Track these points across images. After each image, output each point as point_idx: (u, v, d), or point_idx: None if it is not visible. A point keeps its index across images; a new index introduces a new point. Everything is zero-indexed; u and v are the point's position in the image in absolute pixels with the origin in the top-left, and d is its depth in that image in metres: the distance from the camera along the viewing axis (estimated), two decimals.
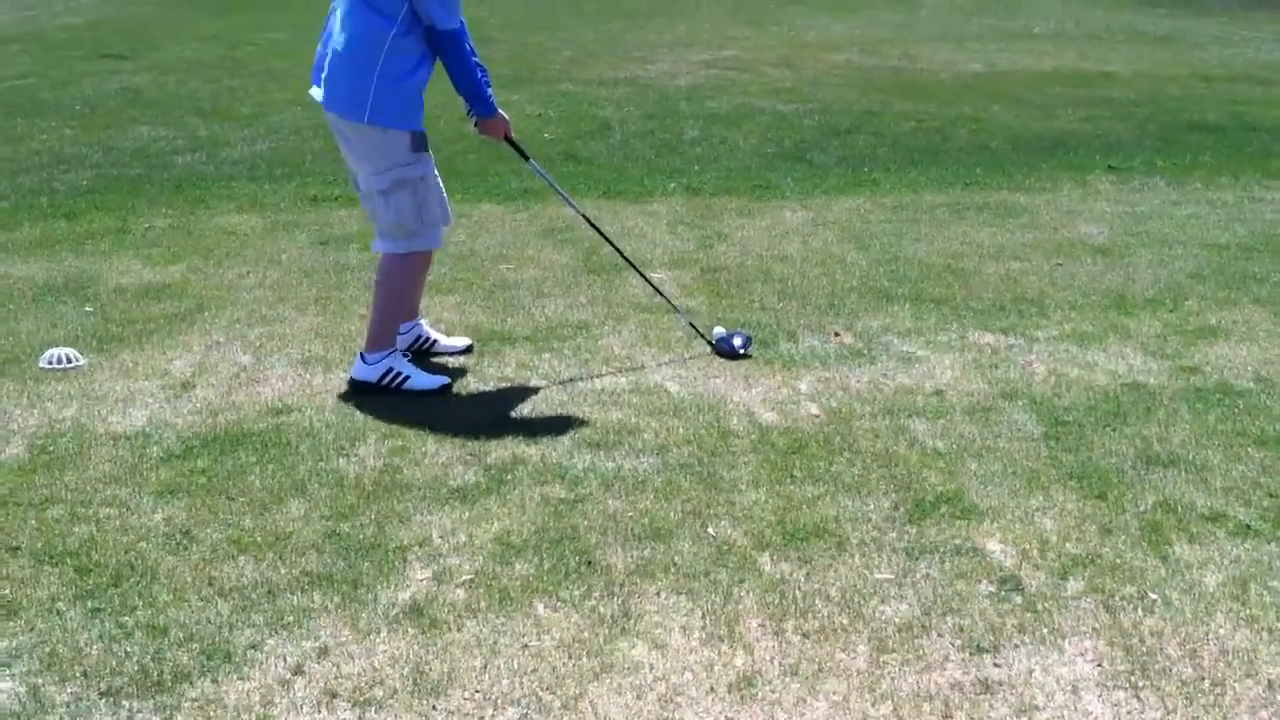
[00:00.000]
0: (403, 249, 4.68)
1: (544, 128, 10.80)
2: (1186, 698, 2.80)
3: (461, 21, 4.51)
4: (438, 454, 4.17)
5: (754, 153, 9.79)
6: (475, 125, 4.78)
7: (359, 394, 4.69)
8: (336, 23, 4.46)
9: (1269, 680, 2.90)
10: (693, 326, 5.29)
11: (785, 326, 5.47)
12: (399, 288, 4.80)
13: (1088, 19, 20.64)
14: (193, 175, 8.90)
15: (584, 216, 5.37)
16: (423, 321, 5.18)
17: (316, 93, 4.59)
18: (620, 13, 20.67)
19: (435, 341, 5.16)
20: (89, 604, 3.23)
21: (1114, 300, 5.82)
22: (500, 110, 4.75)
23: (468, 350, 5.18)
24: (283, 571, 3.39)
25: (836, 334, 5.38)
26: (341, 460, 4.13)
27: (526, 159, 5.04)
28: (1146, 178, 8.59)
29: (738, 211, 7.59)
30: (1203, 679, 2.88)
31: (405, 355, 4.87)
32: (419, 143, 4.53)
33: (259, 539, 3.58)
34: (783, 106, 11.82)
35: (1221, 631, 3.08)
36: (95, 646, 3.03)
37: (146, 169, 9.15)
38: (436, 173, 4.67)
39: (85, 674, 2.91)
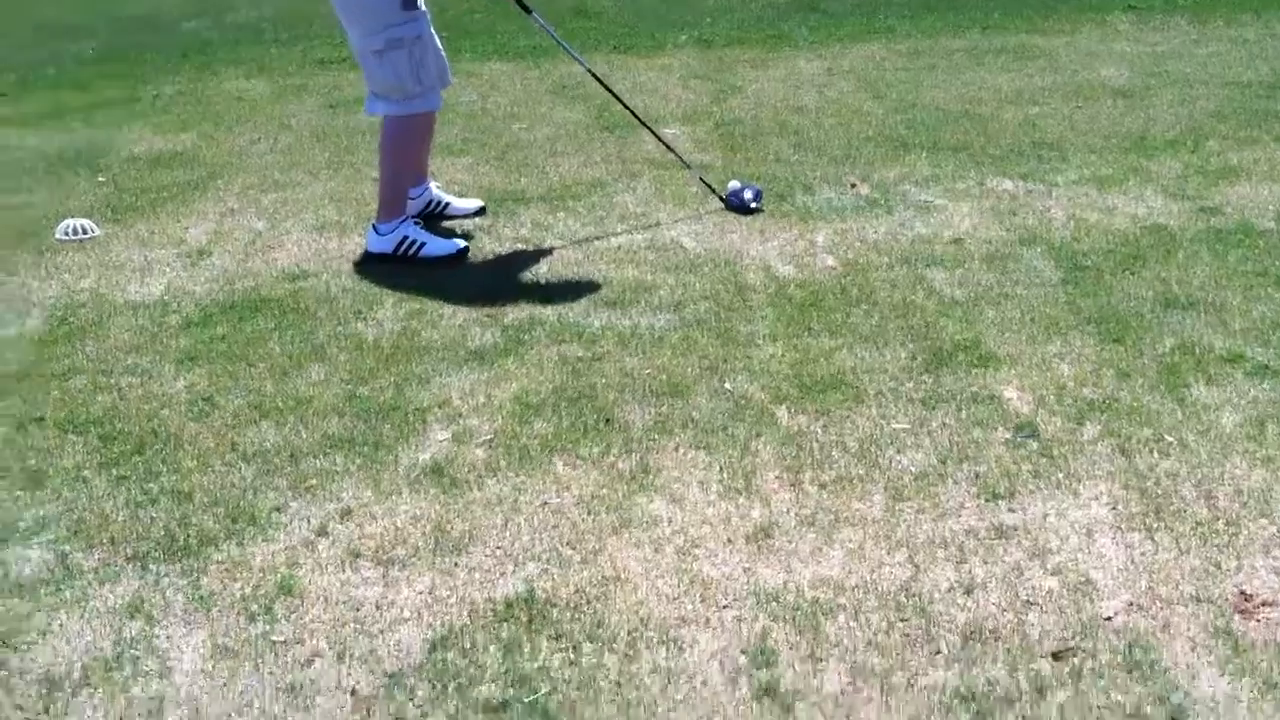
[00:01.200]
0: (402, 111, 4.60)
1: None
2: (1200, 538, 2.82)
3: None
4: (454, 316, 4.17)
5: (767, 2, 9.60)
6: None
7: (376, 260, 4.69)
8: None
9: None
10: (704, 182, 5.23)
11: (801, 179, 5.42)
12: (403, 151, 4.73)
13: None
14: (199, 41, 8.79)
15: (591, 73, 5.27)
16: (433, 184, 5.14)
17: None
18: None
19: (448, 204, 5.12)
20: (114, 472, 3.27)
21: (1134, 142, 5.74)
22: None
23: (481, 212, 5.15)
24: (304, 435, 3.42)
25: (853, 185, 5.33)
26: (359, 324, 4.14)
27: (529, 12, 4.94)
28: (1167, 16, 8.40)
29: (751, 63, 7.47)
30: (1217, 519, 2.89)
31: (417, 221, 4.84)
32: (410, 3, 4.43)
33: (280, 404, 3.60)
34: None
35: (1238, 472, 3.09)
36: (121, 513, 3.07)
37: (153, 36, 9.04)
38: (433, 30, 4.58)
39: (112, 540, 2.96)
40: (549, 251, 4.74)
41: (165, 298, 4.41)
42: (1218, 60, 7.15)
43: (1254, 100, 6.31)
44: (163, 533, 2.98)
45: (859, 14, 9.01)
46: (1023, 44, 7.72)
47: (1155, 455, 3.17)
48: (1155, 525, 2.88)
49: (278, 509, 3.07)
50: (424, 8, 4.53)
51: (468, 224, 5.05)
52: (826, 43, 7.97)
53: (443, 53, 4.66)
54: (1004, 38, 7.92)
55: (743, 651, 2.49)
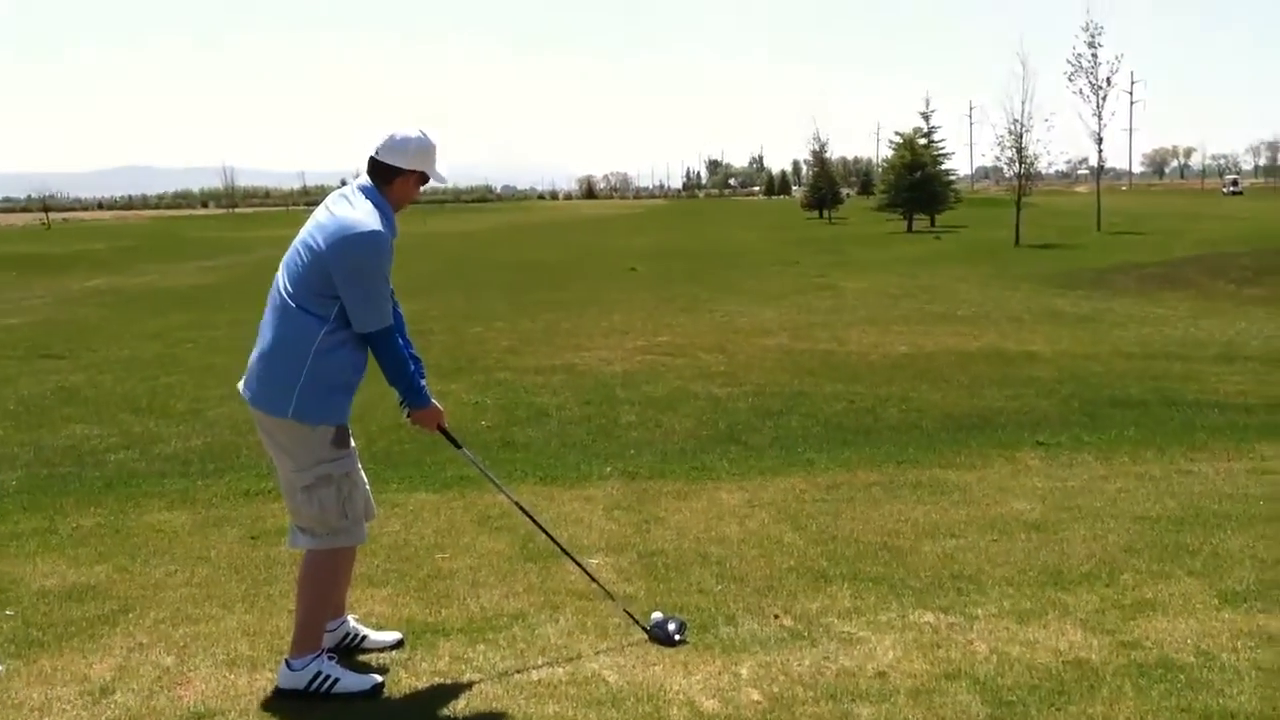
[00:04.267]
0: (325, 545, 4.59)
1: (481, 415, 10.90)
2: None
3: (393, 314, 4.57)
4: None
5: (689, 435, 9.90)
6: (409, 415, 4.79)
7: (287, 698, 4.53)
8: (267, 321, 4.52)
9: None
10: (627, 613, 5.20)
11: (724, 610, 5.40)
12: (323, 585, 4.67)
13: (1008, 301, 21.42)
14: (124, 473, 8.82)
15: (517, 504, 5.33)
16: (350, 617, 5.06)
17: (244, 388, 4.60)
18: (557, 304, 21.21)
19: (365, 637, 5.02)
20: None
21: (1050, 576, 5.82)
22: (434, 400, 4.77)
23: (398, 645, 5.05)
24: None
25: (776, 616, 5.31)
26: None
27: (459, 447, 5.04)
28: (1074, 453, 8.74)
29: (674, 494, 7.61)
30: None
31: (331, 657, 4.72)
32: (342, 438, 4.52)
33: None
34: (717, 390, 12.04)
35: None
36: None
37: (78, 467, 9.07)
38: (360, 467, 4.65)
39: None
40: (467, 686, 4.61)
41: None
42: (1126, 496, 7.39)
43: (1164, 535, 6.47)
44: None
45: (778, 447, 9.30)
46: (936, 478, 7.96)
47: None
48: None
49: None
50: (353, 445, 4.61)
51: (384, 657, 4.93)
52: (748, 474, 8.17)
53: (368, 489, 4.71)
54: (918, 472, 8.16)
55: None
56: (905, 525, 6.76)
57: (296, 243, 4.54)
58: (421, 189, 4.71)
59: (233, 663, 4.90)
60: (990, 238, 45.17)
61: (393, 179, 4.58)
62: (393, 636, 5.08)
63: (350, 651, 4.95)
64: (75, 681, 4.74)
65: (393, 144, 4.56)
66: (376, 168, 4.58)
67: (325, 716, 4.34)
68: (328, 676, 4.55)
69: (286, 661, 4.59)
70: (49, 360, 15.09)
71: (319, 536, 4.58)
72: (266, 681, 4.67)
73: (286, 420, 4.43)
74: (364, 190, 4.56)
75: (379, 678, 4.65)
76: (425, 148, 4.59)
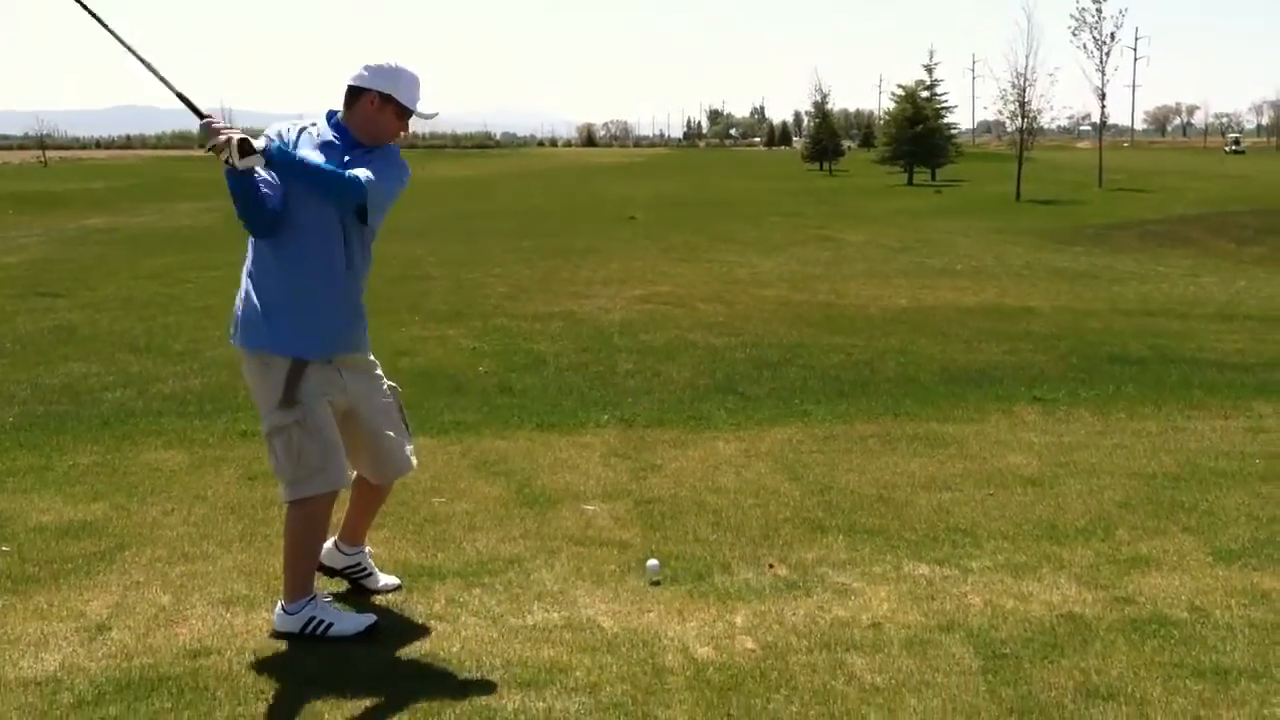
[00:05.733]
0: (291, 495, 4.57)
1: (478, 361, 10.89)
2: None
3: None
4: (360, 699, 4.02)
5: (687, 385, 9.89)
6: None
7: (283, 638, 4.55)
8: (257, 257, 4.51)
9: None
10: None
11: (720, 559, 5.42)
12: (298, 535, 4.62)
13: (1008, 256, 21.37)
14: (121, 412, 8.82)
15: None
16: (367, 549, 5.07)
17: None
18: (556, 251, 21.15)
19: (370, 574, 5.04)
20: None
21: (1046, 530, 5.84)
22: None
23: (396, 588, 5.06)
24: None
25: (771, 566, 5.33)
26: (260, 705, 3.97)
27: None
28: (1071, 408, 8.74)
29: (671, 443, 7.61)
30: None
31: (328, 598, 4.73)
32: (289, 397, 4.45)
33: None
34: (715, 340, 12.02)
35: None
36: None
37: (74, 405, 9.06)
38: (323, 424, 4.54)
39: None
40: (463, 630, 4.63)
41: (59, 674, 4.22)
42: (1122, 451, 7.39)
43: (1160, 491, 6.49)
44: None
45: (776, 398, 9.29)
46: (933, 431, 7.96)
47: None
48: None
49: None
50: (311, 400, 4.50)
51: (380, 599, 4.95)
52: (745, 425, 8.17)
53: (336, 447, 4.58)
54: (915, 425, 8.16)
55: None
56: (901, 478, 6.77)
57: None
58: (407, 123, 4.62)
59: (229, 602, 4.92)
60: (991, 192, 45.04)
61: (354, 102, 4.52)
62: (392, 581, 5.10)
63: (352, 589, 4.98)
64: (71, 618, 4.76)
65: (359, 69, 4.53)
66: (346, 94, 4.56)
67: (321, 658, 4.35)
68: (321, 621, 4.56)
69: (282, 605, 4.61)
70: (46, 298, 15.04)
71: (285, 486, 4.58)
72: (263, 621, 4.69)
73: (249, 354, 4.56)
74: (326, 115, 4.58)
75: (373, 618, 4.66)
76: (387, 69, 4.49)
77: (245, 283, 4.53)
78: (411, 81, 4.54)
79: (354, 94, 4.52)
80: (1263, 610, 4.81)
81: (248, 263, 4.54)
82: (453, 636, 4.57)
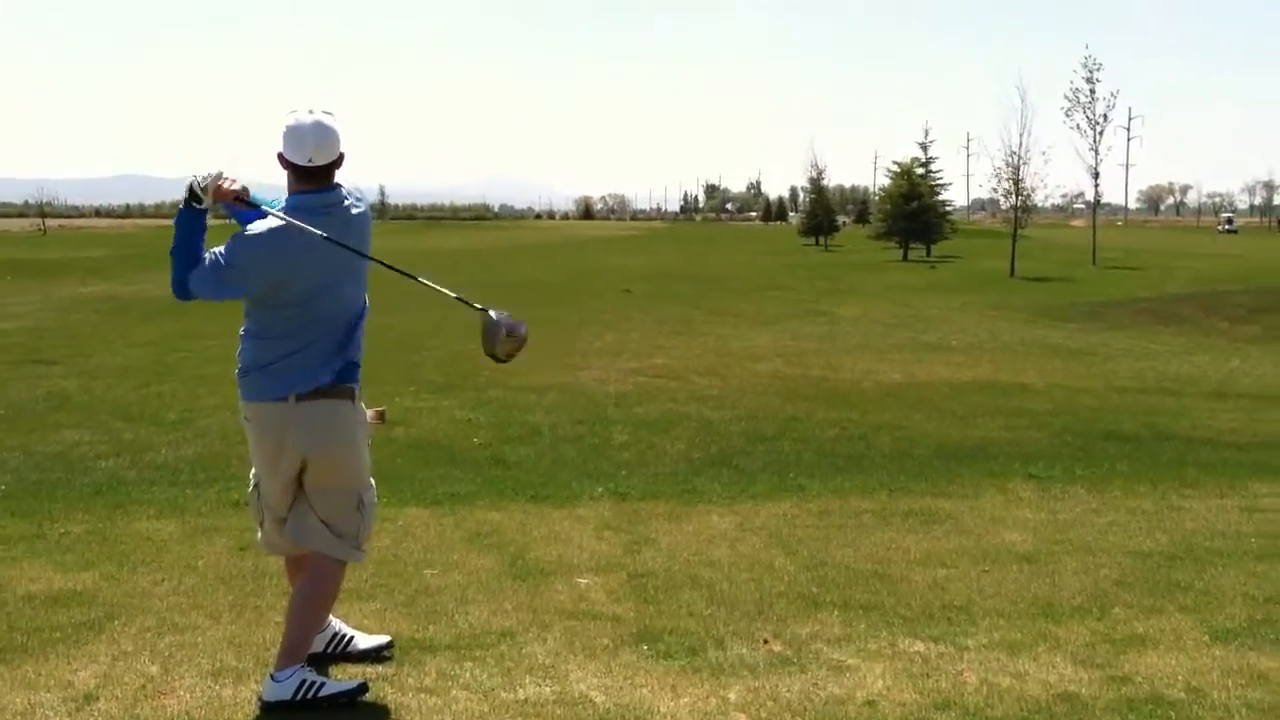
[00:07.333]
0: (357, 557, 4.80)
1: (473, 432, 10.88)
2: None
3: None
4: None
5: (681, 458, 9.88)
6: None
7: (273, 706, 4.49)
8: None
9: None
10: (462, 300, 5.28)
11: (713, 634, 5.37)
12: (330, 594, 4.77)
13: (1002, 333, 21.45)
14: (113, 480, 8.79)
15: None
16: (333, 620, 5.03)
17: None
18: (551, 324, 21.17)
19: (352, 639, 5.00)
20: None
21: (1041, 608, 5.80)
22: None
23: (389, 647, 5.02)
24: None
25: (765, 641, 5.29)
26: None
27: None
28: (1067, 485, 8.72)
29: (665, 516, 7.58)
30: None
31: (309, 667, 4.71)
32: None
33: None
34: (710, 413, 12.03)
35: None
36: None
37: (67, 473, 9.03)
38: (260, 487, 4.78)
39: None
40: (454, 703, 4.58)
41: None
42: (1118, 529, 7.37)
43: (1156, 570, 6.46)
44: None
45: (770, 472, 9.28)
46: (928, 507, 7.94)
47: None
48: None
49: None
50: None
51: (370, 671, 4.89)
52: (739, 499, 8.14)
53: (267, 509, 4.79)
54: (910, 500, 8.14)
55: None
56: (896, 553, 6.74)
57: None
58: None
59: (218, 673, 4.87)
60: (986, 269, 45.27)
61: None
62: (381, 640, 5.07)
63: (338, 657, 4.94)
64: (59, 687, 4.70)
65: None
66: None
67: None
68: (314, 683, 4.52)
69: (271, 674, 4.55)
70: (41, 365, 15.05)
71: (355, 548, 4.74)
72: (251, 694, 4.63)
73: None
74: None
75: (361, 679, 4.62)
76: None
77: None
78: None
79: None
80: (1260, 691, 4.77)
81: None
82: (444, 710, 4.52)
